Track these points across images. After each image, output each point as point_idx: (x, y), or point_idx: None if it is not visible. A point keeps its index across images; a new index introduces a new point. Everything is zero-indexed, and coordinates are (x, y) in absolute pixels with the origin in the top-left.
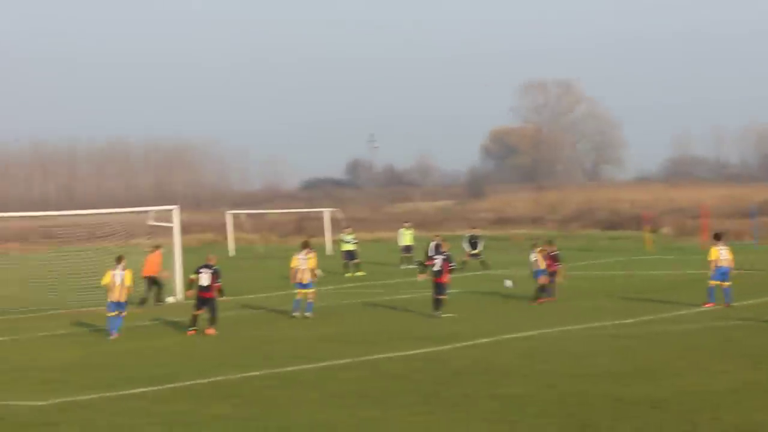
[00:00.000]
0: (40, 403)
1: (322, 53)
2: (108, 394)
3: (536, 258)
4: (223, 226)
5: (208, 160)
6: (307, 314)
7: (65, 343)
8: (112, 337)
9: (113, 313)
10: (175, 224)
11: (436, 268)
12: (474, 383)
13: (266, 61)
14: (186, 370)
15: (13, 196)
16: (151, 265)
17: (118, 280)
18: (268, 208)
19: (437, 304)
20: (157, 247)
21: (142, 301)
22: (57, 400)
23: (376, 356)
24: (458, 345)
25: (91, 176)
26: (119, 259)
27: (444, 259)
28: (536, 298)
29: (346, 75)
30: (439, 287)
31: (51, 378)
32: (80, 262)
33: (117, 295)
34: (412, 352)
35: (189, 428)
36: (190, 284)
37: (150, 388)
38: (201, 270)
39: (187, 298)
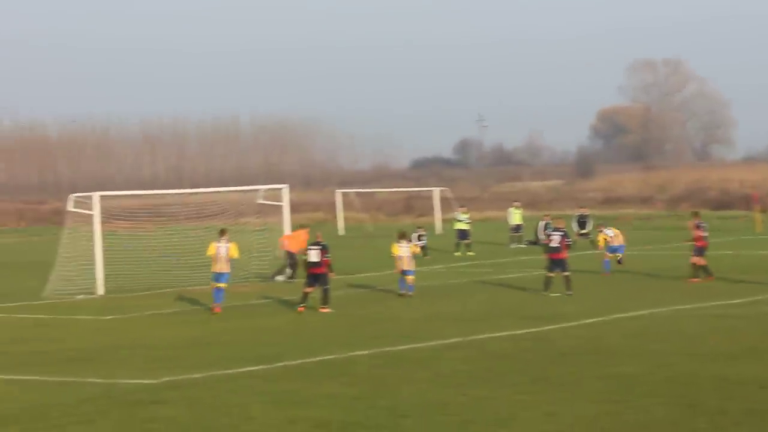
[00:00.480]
0: (148, 381)
1: (432, 34)
2: (216, 373)
3: (614, 234)
4: (333, 204)
5: (317, 139)
6: (405, 293)
7: (173, 321)
8: (214, 308)
9: (218, 284)
10: (285, 203)
11: (553, 244)
12: (582, 363)
13: (376, 41)
14: (295, 348)
15: (123, 175)
16: (294, 240)
17: (223, 251)
18: (377, 187)
19: (548, 282)
20: (303, 226)
21: (291, 276)
22: (165, 378)
23: (484, 335)
24: (566, 325)
25: (200, 155)
26: (222, 232)
27: (562, 235)
28: (693, 275)
29: (457, 55)
30: (558, 263)
31: (159, 356)
32: (188, 240)
33: (221, 266)
34: (520, 332)
35: (298, 406)
36: (305, 265)
37: (259, 367)
38: (311, 248)
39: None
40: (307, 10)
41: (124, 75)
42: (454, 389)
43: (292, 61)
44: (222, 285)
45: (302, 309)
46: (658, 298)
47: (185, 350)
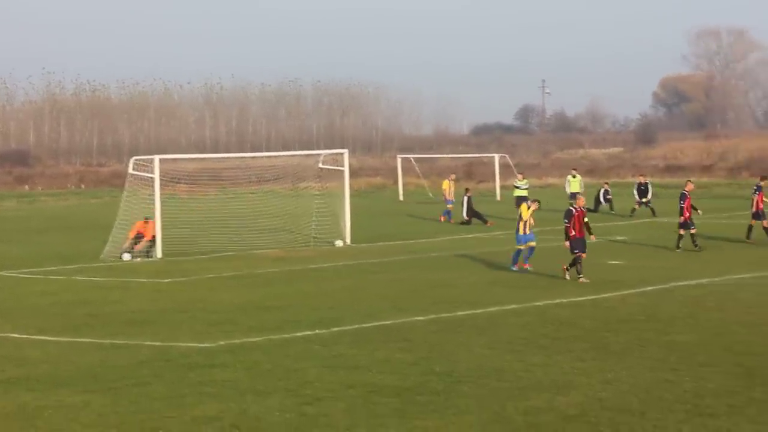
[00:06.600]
0: (205, 345)
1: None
2: (274, 337)
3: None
4: (393, 170)
5: (379, 103)
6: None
7: (232, 285)
8: (514, 268)
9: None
10: (345, 168)
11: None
12: (640, 330)
13: (436, 5)
14: (353, 313)
15: (185, 138)
16: None
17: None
18: (437, 153)
19: (678, 239)
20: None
21: None
22: (224, 342)
23: (543, 302)
24: (626, 292)
25: (262, 119)
26: (534, 202)
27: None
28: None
29: (519, 20)
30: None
31: (217, 319)
32: (248, 204)
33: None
34: (579, 299)
35: (354, 371)
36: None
37: (316, 331)
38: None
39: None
40: None
41: (186, 37)
42: (511, 355)
43: (354, 24)
44: (520, 246)
45: (584, 281)
46: (718, 267)
47: (243, 314)
